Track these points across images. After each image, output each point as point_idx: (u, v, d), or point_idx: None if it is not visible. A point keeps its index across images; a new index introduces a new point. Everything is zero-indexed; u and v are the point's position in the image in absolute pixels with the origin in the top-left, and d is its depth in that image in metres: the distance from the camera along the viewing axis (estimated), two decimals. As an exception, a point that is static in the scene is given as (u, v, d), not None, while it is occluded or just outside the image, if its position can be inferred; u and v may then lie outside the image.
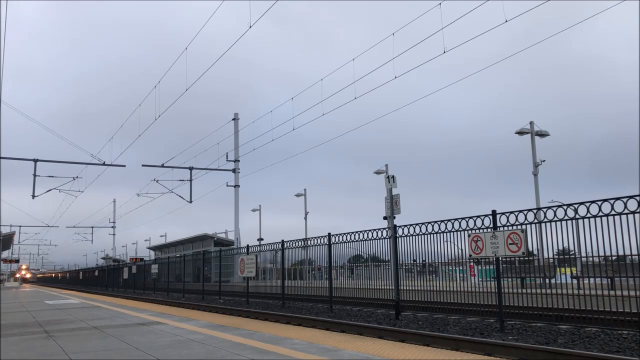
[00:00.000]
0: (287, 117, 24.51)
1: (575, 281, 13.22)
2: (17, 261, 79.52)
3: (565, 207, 9.21)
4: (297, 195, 41.27)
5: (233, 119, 36.40)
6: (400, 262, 13.30)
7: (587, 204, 8.85)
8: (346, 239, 15.12)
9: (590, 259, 10.42)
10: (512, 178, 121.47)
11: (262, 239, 40.78)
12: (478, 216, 10.71)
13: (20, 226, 61.94)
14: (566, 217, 9.19)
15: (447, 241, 11.74)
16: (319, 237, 16.42)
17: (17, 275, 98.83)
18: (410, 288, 13.04)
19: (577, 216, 9.02)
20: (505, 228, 10.12)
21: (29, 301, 17.99)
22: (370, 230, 13.93)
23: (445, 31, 14.47)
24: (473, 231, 10.72)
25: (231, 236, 43.26)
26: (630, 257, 9.43)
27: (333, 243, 15.78)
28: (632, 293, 9.03)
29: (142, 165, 31.93)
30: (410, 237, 12.52)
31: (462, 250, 11.48)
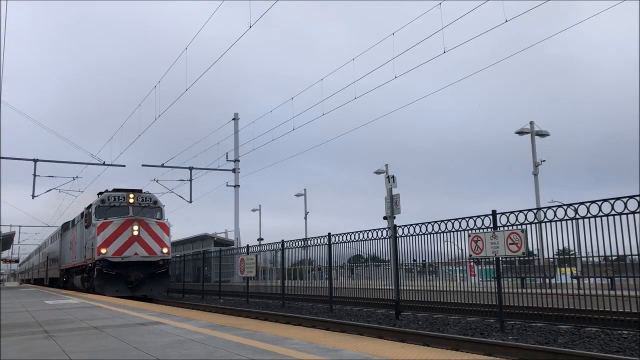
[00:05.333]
0: (287, 117, 24.55)
1: (575, 281, 13.21)
2: (17, 261, 78.69)
3: (565, 207, 9.22)
4: (297, 195, 41.34)
5: (233, 119, 36.34)
6: (400, 262, 13.30)
7: (587, 204, 8.85)
8: (346, 239, 15.12)
9: (590, 259, 10.41)
10: (512, 178, 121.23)
11: (262, 239, 40.83)
12: (478, 216, 10.72)
13: (20, 226, 61.83)
14: (566, 217, 9.19)
15: (447, 241, 11.75)
16: (319, 237, 16.45)
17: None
18: (410, 288, 13.05)
19: (577, 216, 9.02)
20: (506, 228, 10.12)
21: (29, 301, 17.99)
22: (370, 230, 13.94)
23: (445, 31, 14.49)
24: (473, 231, 10.72)
25: (231, 236, 43.26)
26: (630, 257, 9.43)
27: (333, 243, 15.78)
28: (632, 293, 9.03)
29: (142, 165, 31.91)
30: (410, 237, 12.53)
31: (462, 250, 11.48)
